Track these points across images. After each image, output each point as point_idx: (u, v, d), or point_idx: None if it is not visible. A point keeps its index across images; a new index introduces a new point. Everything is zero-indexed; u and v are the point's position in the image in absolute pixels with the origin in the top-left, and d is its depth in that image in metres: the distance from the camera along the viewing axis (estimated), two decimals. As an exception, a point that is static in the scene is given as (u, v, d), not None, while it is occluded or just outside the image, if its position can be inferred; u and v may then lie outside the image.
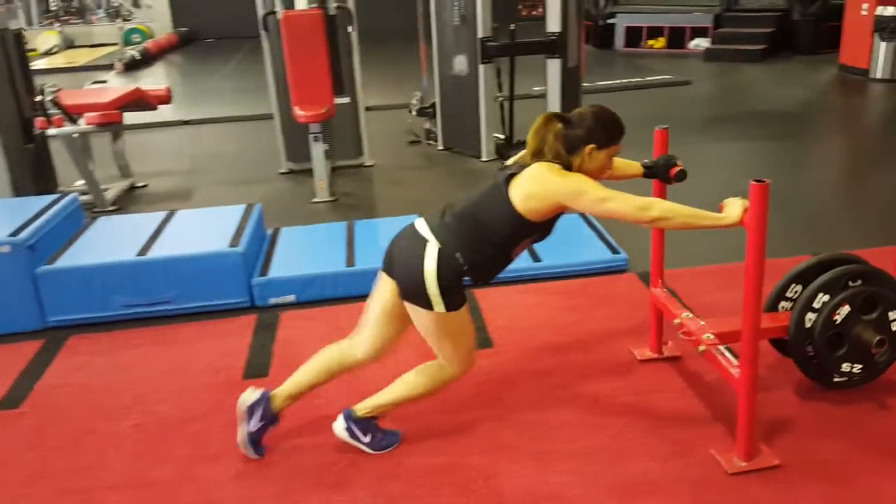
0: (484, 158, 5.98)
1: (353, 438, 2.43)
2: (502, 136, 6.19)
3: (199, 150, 6.90)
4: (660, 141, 2.81)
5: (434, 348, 2.35)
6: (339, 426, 2.43)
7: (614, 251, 3.91)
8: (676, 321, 2.65)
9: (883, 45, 8.17)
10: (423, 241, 2.22)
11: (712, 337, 2.46)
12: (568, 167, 2.22)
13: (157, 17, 15.89)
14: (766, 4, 10.75)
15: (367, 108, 6.24)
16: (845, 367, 2.59)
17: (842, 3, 9.04)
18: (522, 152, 2.31)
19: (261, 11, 5.57)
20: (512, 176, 2.20)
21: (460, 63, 5.92)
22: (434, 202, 4.96)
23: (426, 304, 2.21)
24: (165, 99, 5.99)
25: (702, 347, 2.45)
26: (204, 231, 3.89)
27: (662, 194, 2.78)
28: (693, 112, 7.62)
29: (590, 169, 2.24)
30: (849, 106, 7.79)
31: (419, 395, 2.40)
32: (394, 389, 2.41)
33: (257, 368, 3.08)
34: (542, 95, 6.08)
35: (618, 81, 9.04)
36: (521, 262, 3.78)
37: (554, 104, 5.97)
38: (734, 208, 2.17)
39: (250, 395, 2.41)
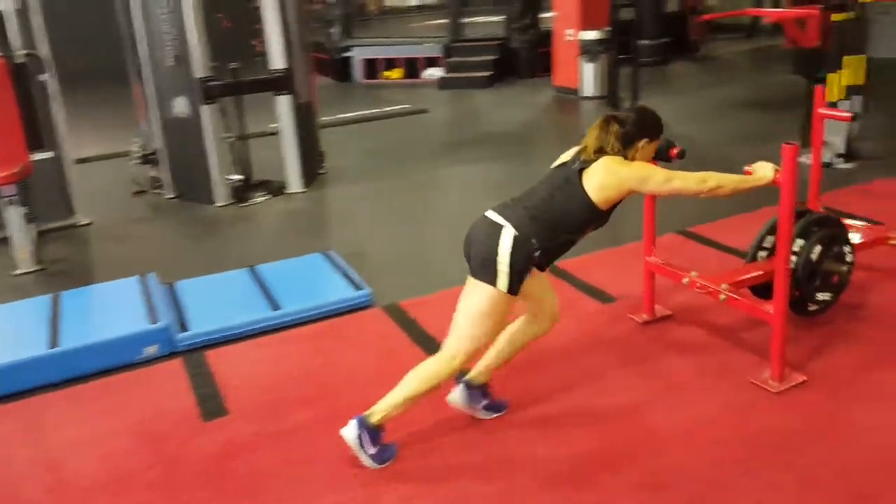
0: (219, 203, 5.63)
1: (360, 447, 2.47)
2: (239, 178, 5.89)
3: None
4: None
5: (461, 328, 2.48)
6: (351, 432, 2.47)
7: (357, 287, 3.82)
8: (685, 280, 3.14)
9: (588, 65, 9.08)
10: (499, 227, 2.44)
11: (728, 286, 3.00)
12: (624, 159, 2.55)
13: None
14: (488, 34, 11.53)
15: (79, 161, 5.63)
16: (819, 296, 3.19)
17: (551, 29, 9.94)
18: (577, 148, 2.62)
19: (-74, 61, 4.76)
20: (581, 171, 2.49)
21: (180, 105, 5.54)
22: (166, 257, 4.64)
23: (492, 278, 2.40)
24: None
25: (723, 296, 2.98)
26: None
27: None
28: (432, 138, 7.89)
29: (640, 159, 2.59)
30: (565, 123, 8.54)
31: (429, 389, 2.49)
32: (403, 388, 2.49)
33: (-72, 493, 2.53)
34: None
35: (360, 113, 9.13)
36: (257, 313, 3.58)
37: (288, 141, 5.81)
38: (766, 171, 2.60)
39: (351, 431, 2.47)
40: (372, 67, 11.69)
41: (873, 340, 3.14)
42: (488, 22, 12.60)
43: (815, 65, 5.83)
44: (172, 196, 5.91)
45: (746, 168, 2.65)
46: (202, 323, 3.48)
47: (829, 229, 3.19)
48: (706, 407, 2.76)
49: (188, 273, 4.20)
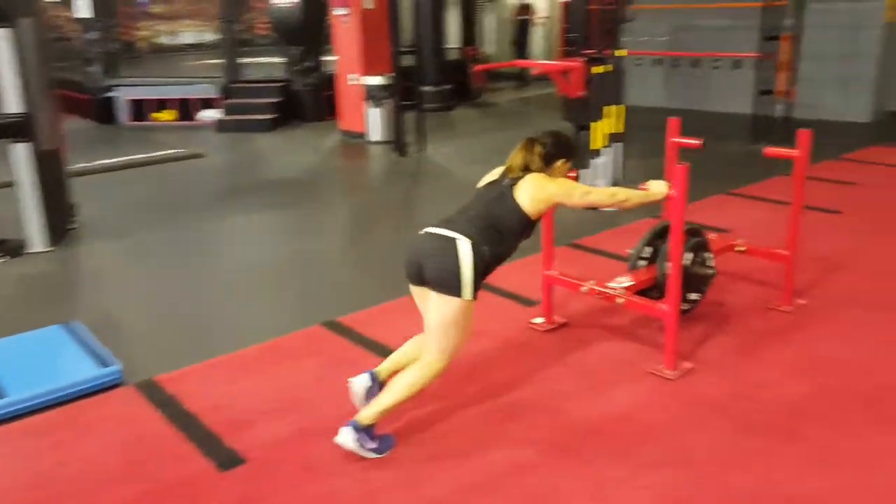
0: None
1: (360, 447, 2.69)
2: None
3: None
4: None
5: (435, 338, 2.71)
6: (347, 437, 2.67)
7: (104, 364, 3.40)
8: (584, 288, 3.57)
9: (374, 110, 9.16)
10: (453, 240, 2.66)
11: (624, 291, 3.48)
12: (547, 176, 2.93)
13: None
14: (269, 76, 11.30)
15: None
16: (690, 296, 3.70)
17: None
18: (502, 168, 2.97)
19: None
20: (512, 187, 2.84)
21: None
22: None
23: (457, 290, 2.63)
24: None
25: (620, 300, 3.45)
26: None
27: None
28: (210, 185, 7.47)
29: (558, 176, 3.00)
30: (352, 167, 8.51)
31: (415, 393, 2.74)
32: (392, 393, 2.71)
33: None
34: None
35: (125, 159, 8.48)
36: (-28, 406, 3.05)
37: (27, 193, 5.17)
38: (661, 187, 3.06)
39: (348, 436, 2.67)
40: (140, 109, 10.97)
41: (736, 330, 3.74)
42: (269, 63, 12.40)
43: (582, 113, 6.29)
44: None
45: (642, 185, 3.09)
46: None
47: (695, 239, 3.69)
48: (620, 396, 3.16)
49: None
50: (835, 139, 7.85)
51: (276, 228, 6.07)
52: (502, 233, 2.79)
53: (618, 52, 5.87)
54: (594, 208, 3.04)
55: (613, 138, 5.99)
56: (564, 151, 3.02)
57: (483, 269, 2.71)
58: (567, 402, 3.12)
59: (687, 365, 3.35)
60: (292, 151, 9.14)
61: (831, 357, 3.44)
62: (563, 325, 3.84)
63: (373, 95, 9.08)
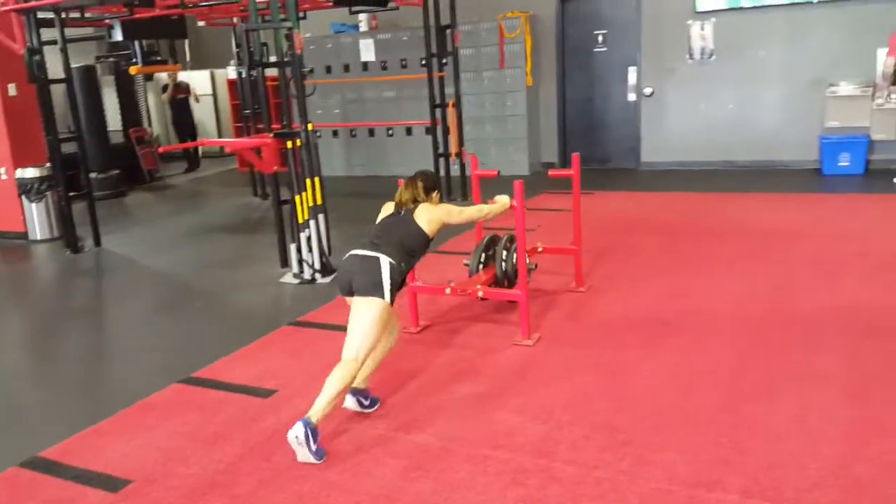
0: None
1: (307, 443, 3.20)
2: None
3: None
4: None
5: (358, 340, 3.41)
6: (299, 430, 3.18)
7: None
8: (448, 290, 4.58)
9: (34, 206, 8.22)
10: (376, 258, 3.50)
11: (481, 286, 4.60)
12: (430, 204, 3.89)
13: None
14: None
15: None
16: None
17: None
18: (392, 203, 3.87)
19: None
20: (412, 214, 3.75)
21: None
22: None
23: (381, 293, 3.42)
24: None
25: (481, 293, 4.56)
26: None
27: None
28: None
29: (435, 203, 3.90)
30: (17, 274, 7.45)
31: (343, 390, 3.36)
32: (325, 394, 3.29)
33: None
34: None
35: None
36: None
37: None
38: (505, 200, 4.24)
39: (299, 429, 3.17)
40: None
41: (557, 307, 5.06)
42: None
43: (276, 188, 6.33)
44: None
45: (491, 200, 4.24)
46: None
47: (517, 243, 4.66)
48: (501, 359, 4.27)
49: None
50: (507, 192, 8.86)
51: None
52: (411, 252, 3.70)
53: (310, 126, 6.03)
54: (471, 223, 4.27)
55: (315, 210, 6.10)
56: (435, 184, 3.97)
57: (399, 281, 3.55)
58: (467, 369, 4.15)
59: (536, 335, 4.51)
60: (-71, 264, 7.77)
61: (625, 308, 5.00)
62: (428, 326, 4.80)
63: (29, 189, 8.16)
